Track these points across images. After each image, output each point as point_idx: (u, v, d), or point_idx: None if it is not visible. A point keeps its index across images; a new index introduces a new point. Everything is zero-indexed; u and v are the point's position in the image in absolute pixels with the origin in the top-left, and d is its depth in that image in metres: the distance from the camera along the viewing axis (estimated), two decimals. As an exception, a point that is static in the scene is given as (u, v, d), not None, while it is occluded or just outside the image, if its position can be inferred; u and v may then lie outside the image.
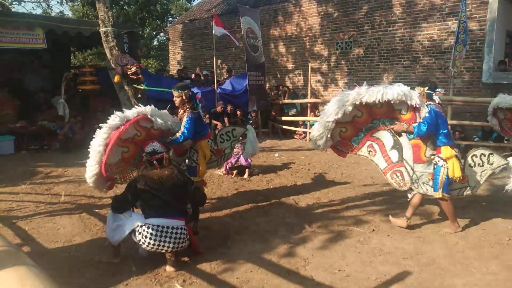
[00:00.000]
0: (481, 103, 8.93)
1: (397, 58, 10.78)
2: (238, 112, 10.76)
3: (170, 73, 16.36)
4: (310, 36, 12.63)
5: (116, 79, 9.03)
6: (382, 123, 4.40)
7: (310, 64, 11.16)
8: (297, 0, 12.78)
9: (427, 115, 4.07)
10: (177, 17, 21.49)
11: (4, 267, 1.36)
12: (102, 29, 9.15)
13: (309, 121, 10.94)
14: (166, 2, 18.38)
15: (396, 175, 4.31)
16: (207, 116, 10.19)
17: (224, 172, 6.81)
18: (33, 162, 7.51)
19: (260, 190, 5.90)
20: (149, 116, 4.04)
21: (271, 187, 6.08)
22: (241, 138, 5.10)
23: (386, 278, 3.26)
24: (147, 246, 3.28)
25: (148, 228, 3.27)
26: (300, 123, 11.61)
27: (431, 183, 4.19)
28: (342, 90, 4.60)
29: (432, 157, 4.17)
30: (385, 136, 4.39)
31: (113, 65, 9.14)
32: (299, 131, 11.46)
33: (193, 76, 12.72)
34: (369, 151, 4.47)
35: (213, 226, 4.41)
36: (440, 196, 4.15)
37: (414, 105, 4.15)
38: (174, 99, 4.40)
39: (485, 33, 9.28)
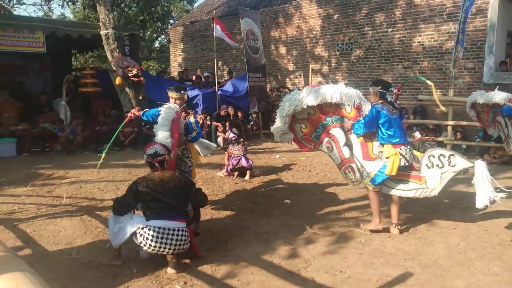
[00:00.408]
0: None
1: (398, 59, 10.78)
2: (239, 114, 10.77)
3: (171, 75, 16.38)
4: (311, 38, 12.64)
5: (117, 81, 9.06)
6: (335, 121, 4.50)
7: (310, 66, 11.17)
8: (298, 2, 12.80)
9: (367, 113, 4.18)
10: (178, 19, 21.53)
11: (0, 273, 1.36)
12: (103, 32, 9.18)
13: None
14: (167, 4, 18.39)
15: (348, 171, 4.39)
16: (208, 117, 10.21)
17: (225, 173, 6.81)
18: (34, 165, 7.52)
19: (261, 191, 5.90)
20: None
21: (272, 188, 6.08)
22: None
23: (387, 279, 3.26)
24: (148, 248, 3.28)
25: (149, 230, 3.27)
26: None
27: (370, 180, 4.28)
28: (293, 90, 4.80)
29: (380, 154, 4.21)
30: (338, 133, 4.47)
31: (114, 68, 9.16)
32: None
33: (194, 78, 12.74)
34: (328, 147, 4.58)
35: (214, 227, 4.41)
36: (371, 187, 4.22)
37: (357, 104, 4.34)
38: (174, 101, 4.45)
39: (486, 34, 9.27)
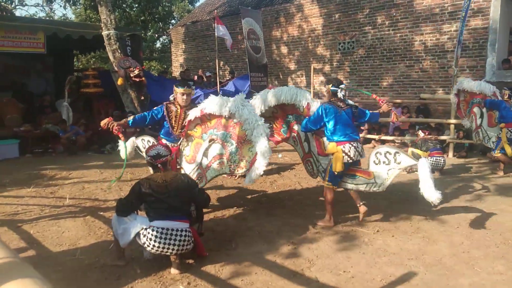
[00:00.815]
0: (484, 101, 8.90)
1: (400, 58, 10.76)
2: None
3: (173, 75, 16.39)
4: (312, 37, 12.63)
5: (119, 81, 9.08)
6: (295, 119, 4.76)
7: (312, 65, 11.16)
8: (299, 1, 12.79)
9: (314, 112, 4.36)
10: (179, 19, 21.54)
11: (9, 279, 1.35)
12: (104, 32, 9.19)
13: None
14: (168, 4, 18.40)
15: (308, 164, 4.76)
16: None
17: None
18: (37, 166, 7.54)
19: (263, 191, 5.90)
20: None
21: (275, 188, 6.08)
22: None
23: (391, 279, 3.25)
24: (152, 248, 3.29)
25: (152, 230, 3.28)
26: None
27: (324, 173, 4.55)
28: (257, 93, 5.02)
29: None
30: (299, 129, 4.74)
31: (116, 68, 9.18)
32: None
33: (195, 78, 12.74)
34: (294, 141, 4.91)
35: (217, 227, 4.41)
36: (325, 184, 4.48)
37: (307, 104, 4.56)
38: (180, 97, 4.40)
39: (488, 32, 9.24)
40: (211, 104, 4.13)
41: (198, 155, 4.32)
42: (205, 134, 4.32)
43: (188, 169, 4.38)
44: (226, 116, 4.09)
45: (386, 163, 4.16)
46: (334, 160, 4.28)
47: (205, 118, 4.29)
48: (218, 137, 4.18)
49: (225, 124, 4.16)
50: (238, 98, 4.14)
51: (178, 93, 4.42)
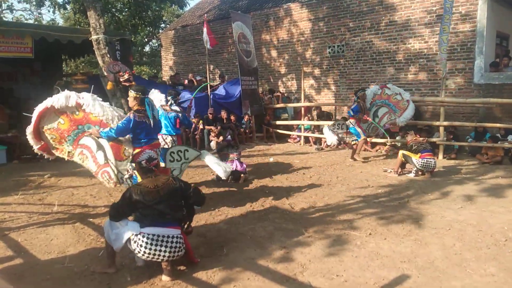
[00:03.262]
0: (473, 103, 9.02)
1: (389, 61, 10.86)
2: (232, 117, 10.74)
3: (163, 79, 16.32)
4: (302, 41, 12.68)
5: (109, 86, 8.98)
6: (88, 128, 4.65)
7: (303, 68, 11.19)
8: (288, 5, 12.83)
9: (123, 121, 4.42)
10: (169, 24, 21.47)
11: None
12: (93, 37, 9.11)
13: (303, 125, 10.96)
14: (158, 8, 18.32)
15: (104, 175, 4.64)
16: (201, 121, 10.17)
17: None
18: (25, 172, 7.43)
19: (255, 195, 5.86)
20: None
21: (266, 192, 6.05)
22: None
23: (384, 282, 3.24)
24: (143, 255, 3.24)
25: (143, 237, 3.23)
26: (294, 127, 11.62)
27: (130, 179, 4.65)
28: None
29: (130, 156, 4.62)
30: (89, 141, 4.64)
31: (105, 73, 9.09)
32: (293, 135, 11.47)
33: (186, 82, 12.69)
34: (80, 158, 4.70)
35: (209, 233, 4.37)
36: (130, 183, 4.58)
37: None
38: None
39: (475, 35, 9.36)
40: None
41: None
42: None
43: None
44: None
45: (178, 160, 5.00)
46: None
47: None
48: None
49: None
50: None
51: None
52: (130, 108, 4.64)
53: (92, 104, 4.51)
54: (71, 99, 4.52)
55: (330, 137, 8.40)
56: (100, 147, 4.59)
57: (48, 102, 4.53)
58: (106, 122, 4.57)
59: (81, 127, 4.62)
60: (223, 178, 5.51)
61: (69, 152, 4.73)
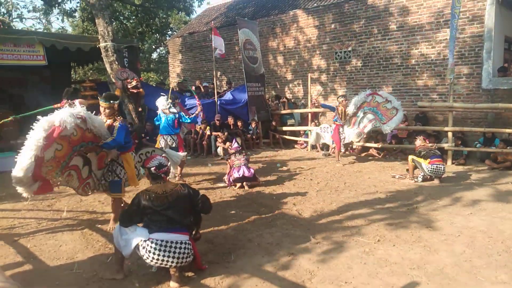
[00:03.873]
0: (481, 109, 8.94)
1: (396, 67, 10.82)
2: (239, 123, 10.77)
3: (170, 86, 16.41)
4: (309, 47, 12.70)
5: (117, 93, 9.06)
6: (80, 147, 4.14)
7: (309, 75, 11.20)
8: (295, 12, 12.88)
9: (119, 131, 4.49)
10: (176, 31, 21.64)
11: None
12: (102, 44, 9.22)
13: (310, 130, 10.95)
14: (165, 16, 18.51)
15: (87, 188, 4.54)
16: (207, 128, 10.21)
17: (227, 184, 6.77)
18: (34, 178, 7.47)
19: (262, 201, 5.85)
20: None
21: (274, 198, 6.04)
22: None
23: (393, 289, 3.21)
24: (151, 261, 3.24)
25: (151, 243, 3.24)
26: (301, 132, 11.61)
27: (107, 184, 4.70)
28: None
29: (113, 162, 4.69)
30: (77, 159, 4.25)
31: (113, 80, 9.18)
32: (300, 141, 11.46)
33: (193, 88, 12.75)
34: (67, 180, 4.16)
35: (216, 239, 4.36)
36: (115, 196, 4.77)
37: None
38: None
39: (483, 39, 9.31)
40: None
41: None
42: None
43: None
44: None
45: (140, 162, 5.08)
46: (126, 165, 4.71)
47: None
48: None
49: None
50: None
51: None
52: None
53: (89, 117, 4.18)
54: (75, 117, 3.90)
55: (313, 138, 9.59)
56: (87, 161, 4.42)
57: (55, 122, 3.71)
58: (99, 136, 4.38)
59: (75, 147, 4.02)
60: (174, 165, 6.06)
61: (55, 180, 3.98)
